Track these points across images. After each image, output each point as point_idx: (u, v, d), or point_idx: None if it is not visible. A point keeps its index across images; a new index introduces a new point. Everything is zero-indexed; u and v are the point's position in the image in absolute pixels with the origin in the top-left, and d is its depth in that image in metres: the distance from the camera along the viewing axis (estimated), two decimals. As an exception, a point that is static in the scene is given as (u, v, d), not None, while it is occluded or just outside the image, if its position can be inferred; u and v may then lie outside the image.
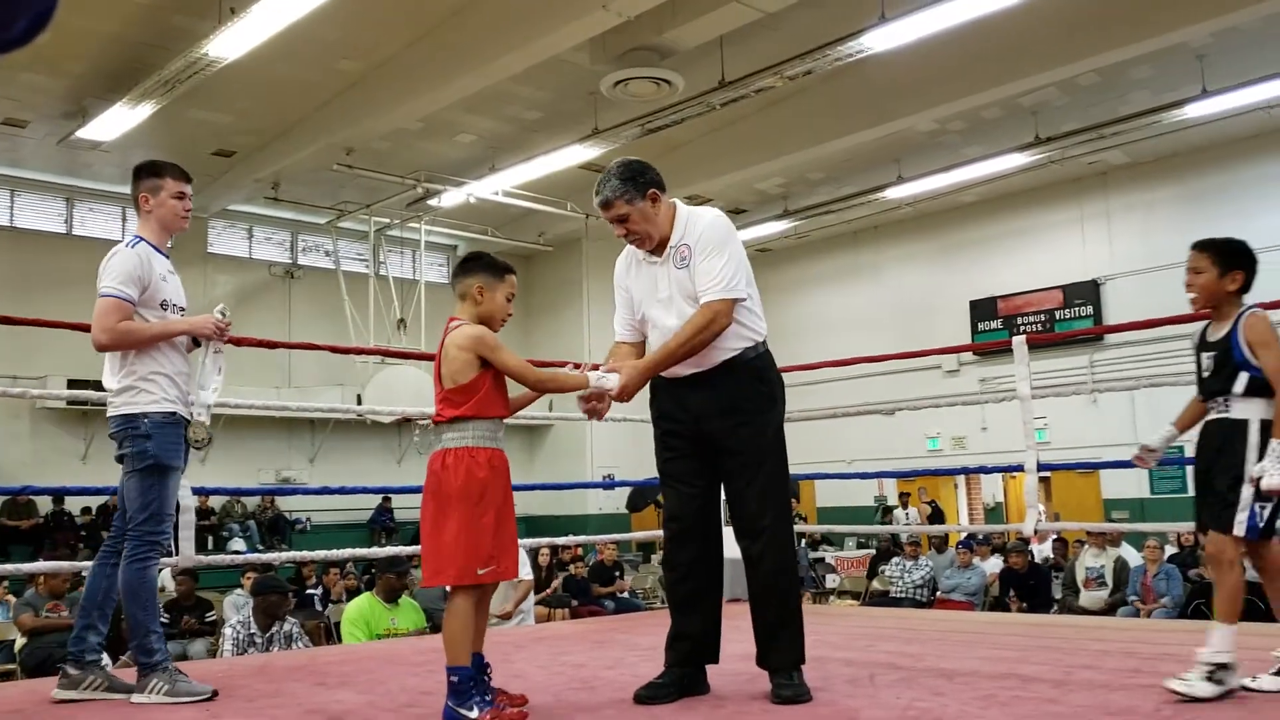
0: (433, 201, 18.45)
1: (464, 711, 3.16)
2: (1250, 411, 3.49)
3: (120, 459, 3.91)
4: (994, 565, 12.16)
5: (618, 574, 12.58)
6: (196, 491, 5.48)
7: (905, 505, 18.76)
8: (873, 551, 14.95)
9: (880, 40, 11.94)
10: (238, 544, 17.77)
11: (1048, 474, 16.27)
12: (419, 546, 3.53)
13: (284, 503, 19.64)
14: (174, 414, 3.87)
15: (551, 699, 3.60)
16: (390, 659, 4.79)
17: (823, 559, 15.82)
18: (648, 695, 3.52)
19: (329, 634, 9.06)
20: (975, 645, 4.73)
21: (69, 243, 18.62)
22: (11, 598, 9.99)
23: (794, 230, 20.89)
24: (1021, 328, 19.17)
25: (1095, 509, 18.15)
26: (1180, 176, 18.10)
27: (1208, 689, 3.28)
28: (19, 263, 17.97)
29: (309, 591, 11.12)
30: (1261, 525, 3.41)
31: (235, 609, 8.99)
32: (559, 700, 3.60)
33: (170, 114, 14.23)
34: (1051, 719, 3.12)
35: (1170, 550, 11.51)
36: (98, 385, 3.84)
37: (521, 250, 22.00)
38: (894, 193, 18.44)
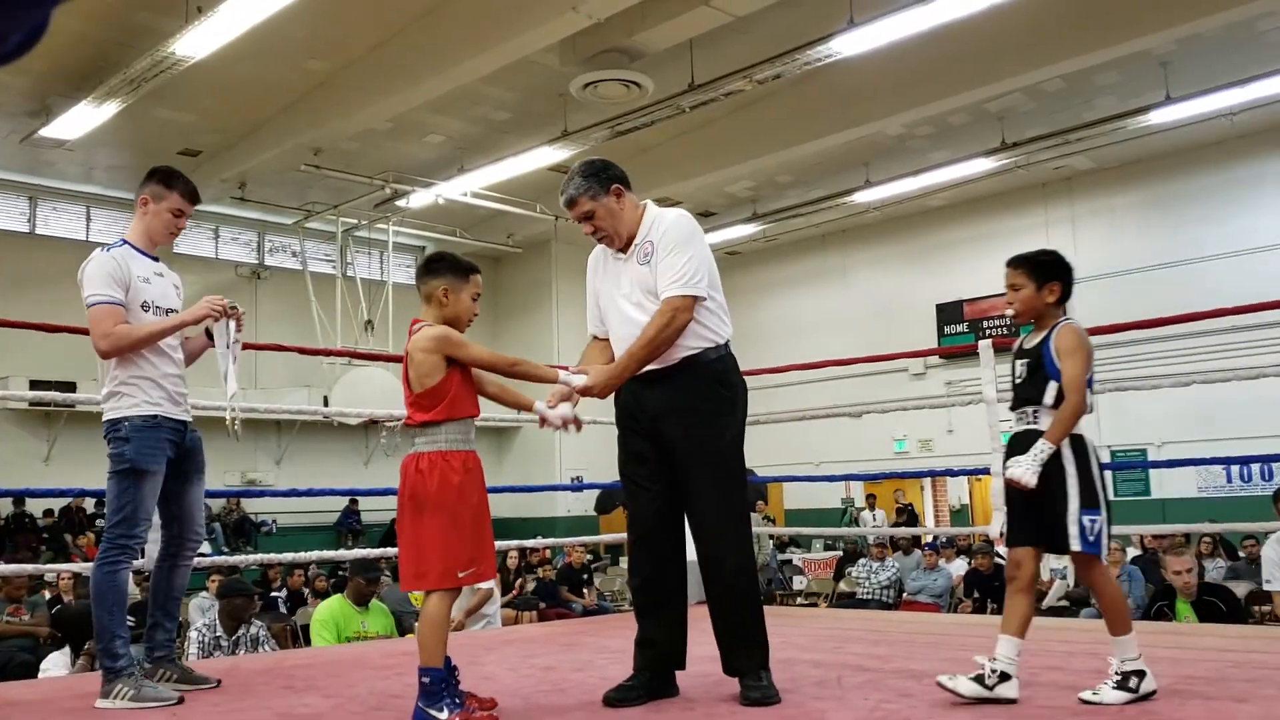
0: (401, 202, 18.39)
1: (434, 713, 3.16)
2: None
3: None
4: (960, 567, 12.22)
5: (586, 576, 12.56)
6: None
7: (872, 507, 18.85)
8: (840, 553, 15.01)
9: (849, 45, 12.00)
10: (203, 546, 17.61)
11: (1013, 476, 16.36)
12: (389, 549, 3.54)
13: (250, 505, 19.51)
14: (155, 417, 3.85)
15: (521, 702, 3.60)
16: (358, 662, 4.77)
17: (790, 560, 15.86)
18: (617, 698, 3.52)
19: (295, 637, 9.00)
20: (941, 647, 4.76)
21: (32, 242, 18.45)
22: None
23: (763, 233, 20.95)
24: (987, 331, 19.30)
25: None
26: (1144, 182, 18.29)
27: (972, 689, 3.31)
28: (-19, 262, 17.79)
29: (273, 594, 11.06)
30: (1092, 539, 3.38)
31: (200, 612, 8.92)
32: (528, 703, 3.60)
33: (136, 113, 14.11)
34: (1018, 719, 3.14)
35: (1133, 552, 11.61)
36: (60, 386, 3.84)
37: (490, 252, 21.95)
38: (862, 196, 18.54)
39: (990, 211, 19.82)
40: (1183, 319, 6.49)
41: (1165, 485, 17.48)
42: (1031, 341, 3.61)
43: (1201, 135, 16.75)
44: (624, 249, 3.73)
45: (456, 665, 3.37)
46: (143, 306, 3.90)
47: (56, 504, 17.30)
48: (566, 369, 3.67)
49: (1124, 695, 3.31)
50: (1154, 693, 3.35)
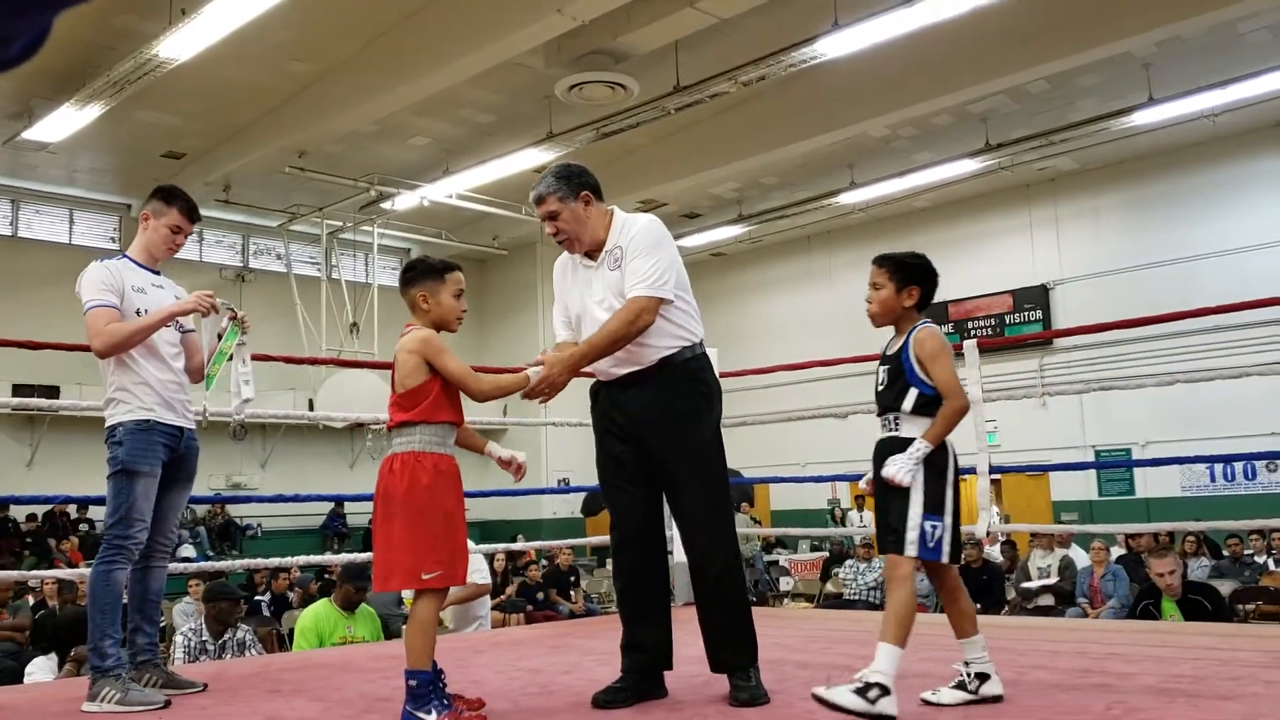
0: (386, 205, 18.36)
1: (421, 715, 3.16)
2: (917, 430, 3.37)
3: None
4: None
5: (573, 579, 12.56)
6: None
7: (860, 508, 18.86)
8: (826, 554, 15.02)
9: (833, 47, 12.03)
10: (187, 550, 17.58)
11: (998, 476, 16.44)
12: (365, 555, 3.55)
13: (235, 508, 19.46)
14: (147, 421, 3.91)
15: (509, 704, 3.60)
16: (345, 666, 4.75)
17: (776, 562, 15.88)
18: (605, 700, 3.52)
19: (281, 641, 8.97)
20: (928, 647, 4.76)
21: (15, 245, 18.36)
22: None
23: (748, 235, 20.97)
24: (972, 332, 19.35)
25: (1045, 511, 18.36)
26: (1128, 183, 18.37)
27: (857, 703, 3.12)
28: (-37, 265, 17.70)
29: (257, 598, 11.01)
30: (932, 545, 3.29)
31: (185, 616, 8.88)
32: (516, 705, 3.59)
33: (119, 115, 14.06)
34: (1004, 718, 3.15)
35: (1117, 551, 11.66)
36: (44, 391, 3.84)
37: (475, 254, 21.94)
38: (847, 198, 18.58)
39: (975, 213, 19.88)
40: (1166, 318, 6.52)
41: (1149, 485, 17.54)
42: (893, 348, 3.53)
43: (1184, 136, 16.84)
44: (592, 256, 3.74)
45: (443, 669, 3.37)
46: (136, 314, 3.95)
47: (40, 508, 17.21)
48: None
49: (963, 695, 3.32)
50: (999, 697, 3.34)
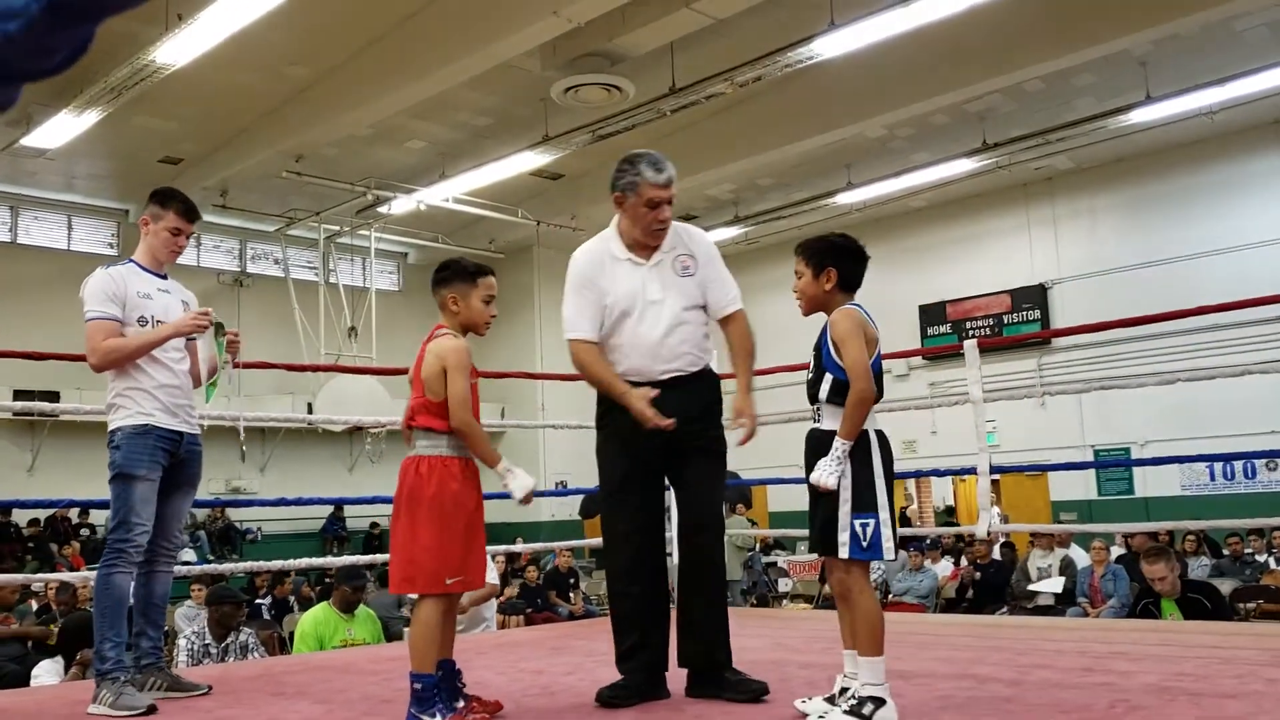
0: (383, 209, 18.36)
1: (425, 718, 3.15)
2: (835, 421, 3.22)
3: None
4: (945, 568, 12.26)
5: (572, 580, 12.57)
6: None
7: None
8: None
9: (830, 47, 12.03)
10: (188, 554, 17.57)
11: (997, 476, 16.45)
12: (378, 556, 3.55)
13: (234, 512, 19.45)
14: (145, 426, 3.92)
15: (512, 705, 3.60)
16: (347, 668, 4.76)
17: (775, 563, 15.87)
18: (610, 696, 3.53)
19: (283, 644, 8.98)
20: (930, 647, 4.78)
21: (13, 251, 18.36)
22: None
23: (745, 236, 20.96)
24: (970, 332, 19.36)
25: (1044, 510, 18.37)
26: (1124, 181, 18.37)
27: None
28: (-39, 272, 17.70)
29: (258, 602, 11.02)
30: (866, 545, 3.12)
31: (187, 620, 8.88)
32: (519, 706, 3.60)
33: (116, 121, 14.06)
34: (1008, 718, 3.16)
35: (1117, 551, 11.67)
36: (44, 396, 3.84)
37: (472, 258, 21.84)
38: (844, 198, 18.59)
39: (972, 212, 19.89)
40: (1165, 317, 6.52)
41: (1149, 484, 17.55)
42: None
43: (1181, 134, 16.84)
44: (638, 253, 3.77)
45: (461, 669, 3.38)
46: (140, 321, 3.97)
47: (42, 512, 17.21)
48: (509, 470, 3.46)
49: None
50: None
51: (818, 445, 3.26)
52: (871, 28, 11.56)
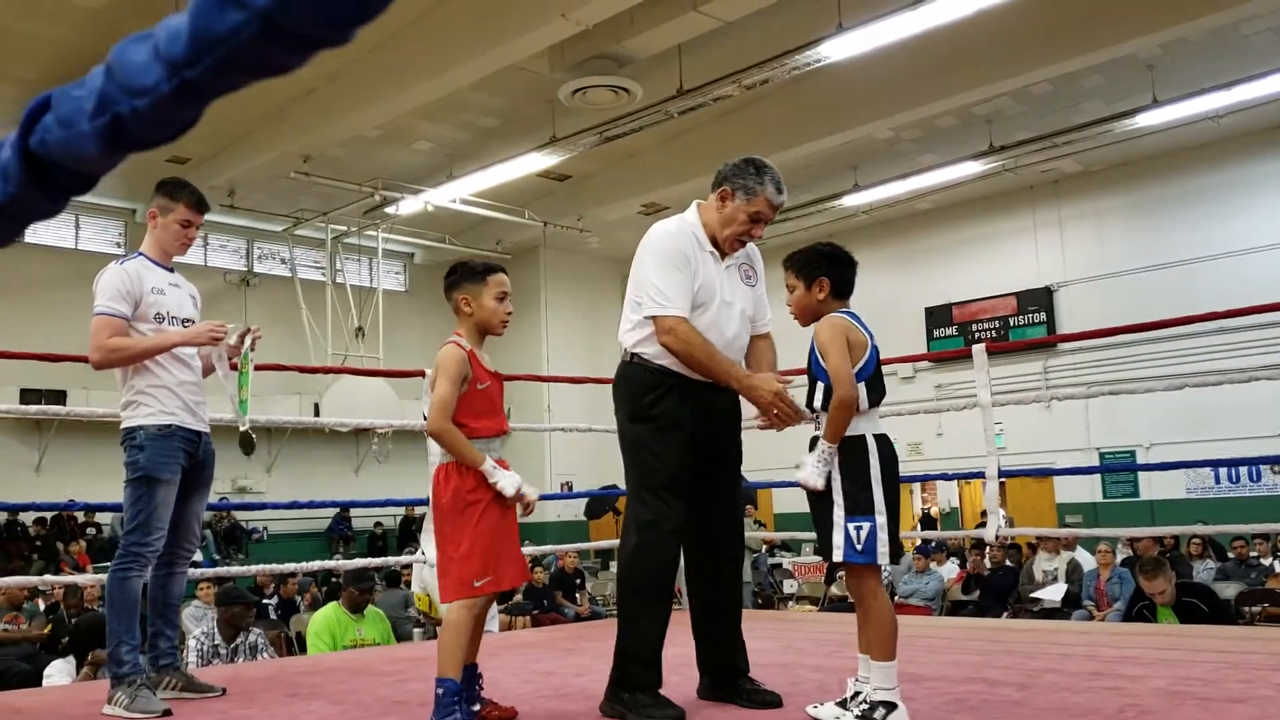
0: (390, 209, 18.38)
1: (442, 725, 3.14)
2: None
3: None
4: (950, 570, 12.27)
5: (579, 581, 12.60)
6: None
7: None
8: (831, 557, 15.00)
9: (837, 50, 12.04)
10: (195, 555, 17.59)
11: (1003, 479, 16.46)
12: (388, 560, 3.55)
13: (240, 512, 19.49)
14: (170, 426, 3.88)
15: (526, 707, 3.62)
16: (359, 669, 4.78)
17: (780, 565, 15.88)
18: (664, 712, 3.40)
19: (290, 644, 9.01)
20: (939, 650, 4.79)
21: (22, 251, 18.35)
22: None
23: (751, 238, 20.96)
24: (976, 334, 19.36)
25: (1049, 514, 18.37)
26: (1131, 185, 18.37)
27: None
28: (-30, 271, 17.74)
29: (265, 602, 11.06)
30: (861, 548, 3.13)
31: (195, 621, 8.91)
32: (532, 708, 3.62)
33: (125, 121, 14.07)
34: (1018, 722, 3.18)
35: (1124, 554, 11.68)
36: (51, 395, 3.85)
37: (479, 258, 21.90)
38: (850, 200, 18.60)
39: (978, 215, 19.89)
40: (1172, 323, 6.52)
41: (1154, 487, 17.55)
42: None
43: (1188, 138, 16.83)
44: (719, 249, 3.73)
45: (481, 673, 3.37)
46: (156, 318, 3.93)
47: (48, 512, 17.25)
48: (507, 470, 3.39)
49: None
50: None
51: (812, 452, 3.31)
52: (879, 31, 11.57)
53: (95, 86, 0.88)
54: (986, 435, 5.82)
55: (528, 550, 9.24)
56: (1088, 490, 18.16)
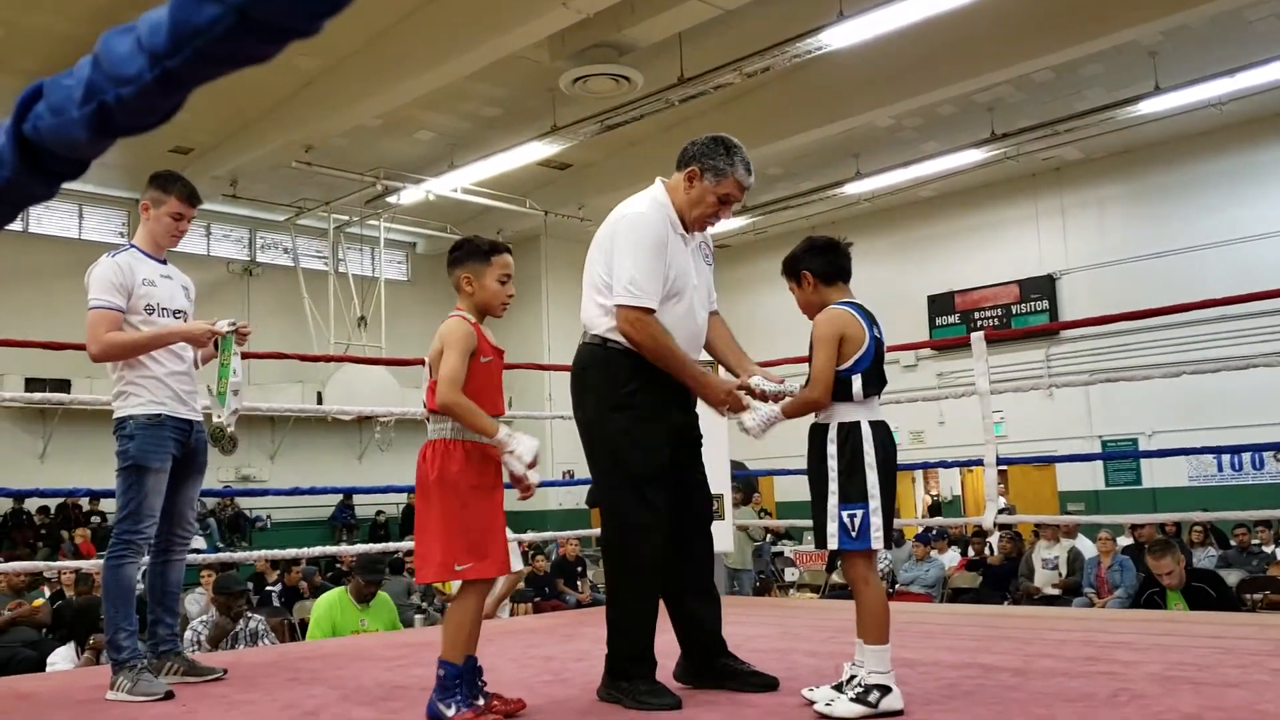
0: (392, 199, 18.40)
1: (443, 708, 3.13)
2: (837, 415, 3.30)
3: None
4: (951, 558, 12.30)
5: (580, 569, 12.64)
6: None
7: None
8: (832, 545, 15.03)
9: (838, 37, 12.04)
10: (198, 542, 17.66)
11: (1004, 467, 16.48)
12: (388, 545, 3.55)
13: (244, 500, 19.55)
14: (159, 416, 3.92)
15: (525, 691, 3.64)
16: (360, 655, 4.81)
17: (781, 553, 15.92)
18: (663, 703, 3.38)
19: (293, 631, 9.04)
20: (936, 636, 4.81)
21: (25, 241, 18.42)
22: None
23: (752, 226, 20.98)
24: (978, 322, 19.36)
25: (1051, 501, 18.39)
26: (1133, 172, 18.36)
27: (859, 710, 3.07)
28: (-27, 261, 17.78)
29: (268, 588, 11.10)
30: (855, 535, 3.18)
31: (197, 607, 8.95)
32: (532, 692, 3.63)
33: (127, 110, 14.08)
34: (1013, 705, 3.20)
35: (1124, 541, 11.70)
36: (55, 384, 3.88)
37: (484, 238, 21.93)
38: (852, 188, 18.60)
39: (980, 202, 19.89)
40: (1174, 310, 6.53)
41: (1156, 474, 17.56)
42: None
43: (1190, 125, 16.81)
44: (687, 229, 3.65)
45: (482, 666, 3.30)
46: (146, 309, 3.95)
47: (53, 499, 17.32)
48: (510, 433, 3.31)
49: (861, 709, 3.07)
50: (900, 712, 3.09)
51: (814, 438, 3.37)
52: (880, 18, 11.56)
53: (83, 76, 0.92)
54: (985, 423, 5.84)
55: (529, 537, 9.30)
56: (1090, 478, 18.19)
